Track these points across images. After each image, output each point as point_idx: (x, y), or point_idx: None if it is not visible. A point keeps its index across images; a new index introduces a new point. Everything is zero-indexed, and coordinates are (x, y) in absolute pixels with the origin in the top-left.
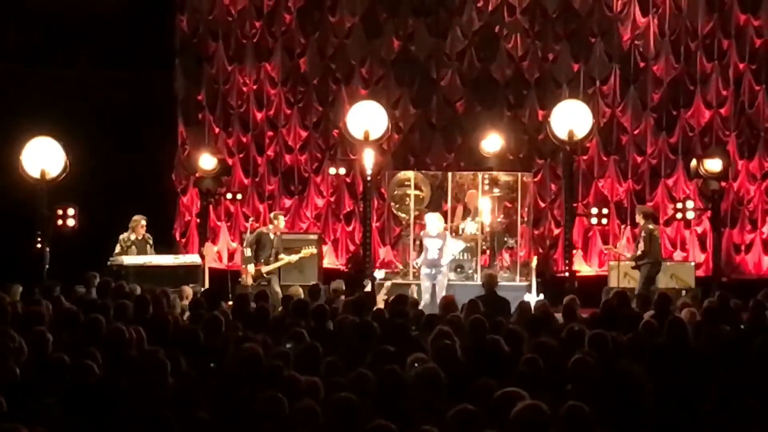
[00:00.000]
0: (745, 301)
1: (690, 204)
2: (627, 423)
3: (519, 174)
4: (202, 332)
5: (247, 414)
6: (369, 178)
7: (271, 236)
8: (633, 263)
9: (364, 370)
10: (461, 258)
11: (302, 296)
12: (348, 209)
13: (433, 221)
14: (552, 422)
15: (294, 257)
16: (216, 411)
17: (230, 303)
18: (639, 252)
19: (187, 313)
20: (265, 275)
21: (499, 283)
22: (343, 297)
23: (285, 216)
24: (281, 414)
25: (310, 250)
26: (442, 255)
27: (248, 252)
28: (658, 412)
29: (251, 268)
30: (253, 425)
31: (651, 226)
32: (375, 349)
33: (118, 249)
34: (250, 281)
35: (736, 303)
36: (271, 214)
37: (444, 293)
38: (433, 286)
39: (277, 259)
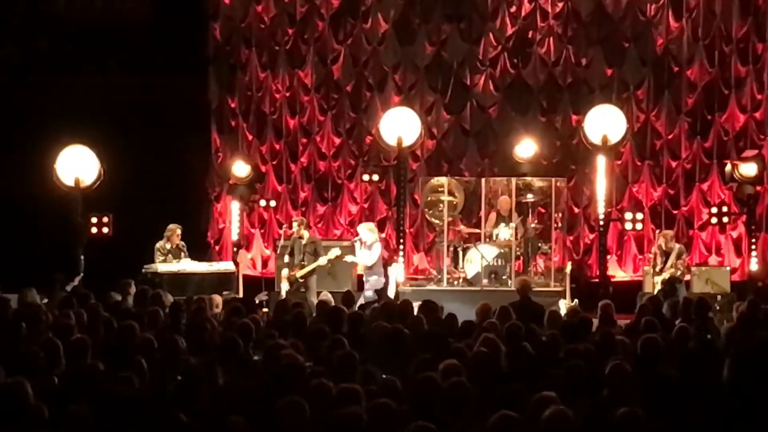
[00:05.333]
0: None
1: (725, 209)
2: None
3: (553, 179)
4: (238, 339)
5: (274, 420)
6: (402, 185)
7: (303, 242)
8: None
9: (398, 378)
10: (495, 264)
11: (332, 302)
12: (382, 216)
13: (365, 232)
14: (579, 427)
15: (321, 260)
16: (251, 418)
17: (265, 310)
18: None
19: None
20: (299, 280)
21: (534, 289)
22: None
23: (300, 221)
24: (302, 419)
25: (335, 253)
26: (378, 264)
27: (286, 258)
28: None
29: (285, 272)
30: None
31: None
32: (414, 358)
33: (160, 257)
34: (286, 287)
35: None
36: (294, 221)
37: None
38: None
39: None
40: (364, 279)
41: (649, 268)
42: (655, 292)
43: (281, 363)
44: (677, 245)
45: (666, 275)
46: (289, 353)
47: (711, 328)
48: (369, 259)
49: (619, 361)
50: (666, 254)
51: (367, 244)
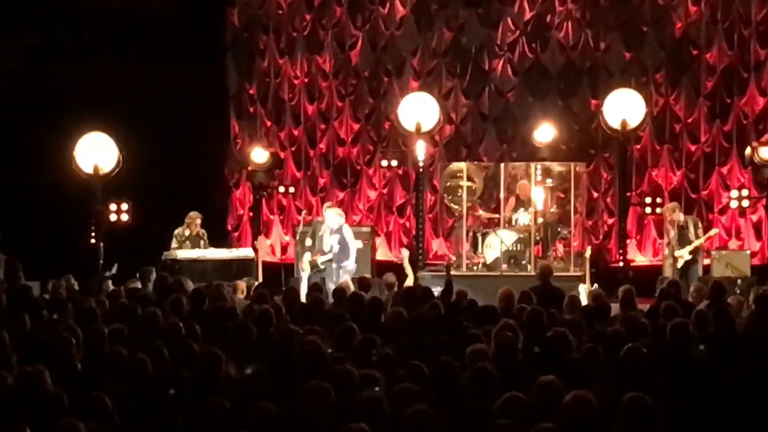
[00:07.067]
0: None
1: (745, 192)
2: (689, 412)
3: (572, 164)
4: (256, 326)
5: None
6: (421, 170)
7: (324, 227)
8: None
9: (419, 363)
10: (514, 249)
11: (352, 289)
12: (400, 201)
13: (332, 216)
14: (599, 411)
15: (329, 255)
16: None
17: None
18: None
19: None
20: (320, 265)
21: (553, 274)
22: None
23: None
24: (327, 403)
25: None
26: (344, 249)
27: (308, 242)
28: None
29: (308, 256)
30: (301, 415)
31: None
32: (433, 342)
33: (174, 244)
34: (308, 271)
35: None
36: (324, 206)
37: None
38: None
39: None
40: (334, 265)
41: (668, 252)
42: (679, 266)
43: (304, 349)
44: (690, 218)
45: (689, 249)
46: (312, 340)
47: (728, 313)
48: (350, 247)
49: (634, 345)
50: (679, 227)
51: (333, 230)
